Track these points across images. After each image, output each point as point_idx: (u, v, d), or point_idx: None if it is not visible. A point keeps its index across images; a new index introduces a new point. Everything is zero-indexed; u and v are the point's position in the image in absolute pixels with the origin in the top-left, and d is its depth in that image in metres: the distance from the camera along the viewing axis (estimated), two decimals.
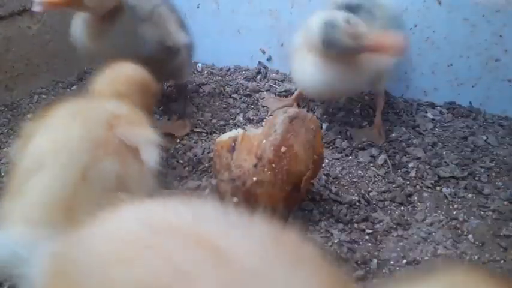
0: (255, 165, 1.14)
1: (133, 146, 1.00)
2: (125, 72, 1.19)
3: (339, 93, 1.64)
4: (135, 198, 0.70)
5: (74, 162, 0.91)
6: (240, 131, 1.23)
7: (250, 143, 1.19)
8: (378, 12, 1.60)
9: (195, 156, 1.52)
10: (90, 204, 0.86)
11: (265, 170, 1.13)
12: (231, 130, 1.63)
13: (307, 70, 1.50)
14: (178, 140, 1.62)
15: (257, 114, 1.78)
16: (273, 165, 1.14)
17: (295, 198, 1.20)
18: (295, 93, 1.83)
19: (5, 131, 1.64)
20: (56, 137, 0.95)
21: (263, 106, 1.83)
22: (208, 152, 1.54)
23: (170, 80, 1.80)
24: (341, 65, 1.45)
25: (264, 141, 1.16)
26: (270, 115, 1.77)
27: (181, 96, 1.78)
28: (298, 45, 1.58)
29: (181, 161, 1.49)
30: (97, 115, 1.01)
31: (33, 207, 0.87)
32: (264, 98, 1.89)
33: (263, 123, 1.68)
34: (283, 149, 1.15)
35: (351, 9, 1.56)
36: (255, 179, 1.14)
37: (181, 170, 1.45)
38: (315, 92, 1.58)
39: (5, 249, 0.84)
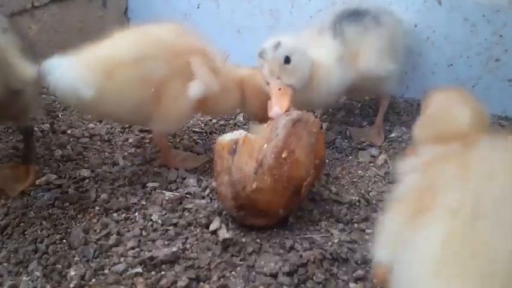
0: (255, 172, 1.13)
1: None
2: None
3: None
4: None
5: None
6: (241, 132, 1.23)
7: (251, 146, 1.18)
8: (383, 19, 1.60)
9: (196, 155, 1.52)
10: None
11: (266, 177, 1.12)
12: (231, 130, 1.64)
13: None
14: (178, 140, 1.62)
15: None
16: (274, 171, 1.12)
17: (295, 202, 1.20)
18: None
19: (5, 130, 1.64)
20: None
21: None
22: (207, 151, 1.54)
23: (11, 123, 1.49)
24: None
25: (265, 145, 1.15)
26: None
27: (27, 140, 1.41)
28: None
29: None
30: None
31: None
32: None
33: (252, 122, 1.68)
34: (284, 154, 1.13)
35: (357, 15, 1.56)
36: (254, 185, 1.13)
37: (181, 170, 1.45)
38: None
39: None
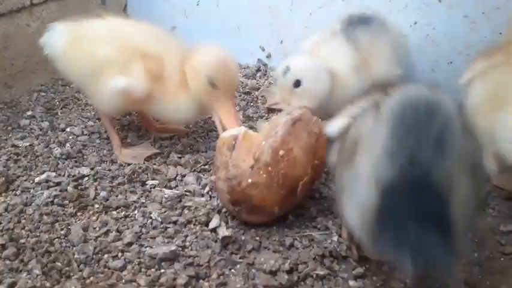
0: (252, 167, 1.13)
1: None
2: None
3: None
4: None
5: None
6: (242, 129, 1.23)
7: (250, 142, 1.18)
8: (389, 25, 1.60)
9: (195, 152, 1.52)
10: None
11: (261, 172, 1.13)
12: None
13: None
14: (177, 138, 1.62)
15: (257, 112, 1.78)
16: (269, 168, 1.12)
17: (291, 201, 1.19)
18: None
19: (4, 128, 1.64)
20: None
21: (262, 96, 1.82)
22: (207, 150, 1.54)
23: None
24: None
25: (263, 142, 1.16)
26: (267, 108, 1.76)
27: None
28: None
29: (181, 158, 1.49)
30: None
31: None
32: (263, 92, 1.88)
33: (260, 120, 1.68)
34: (281, 152, 1.13)
35: (362, 21, 1.56)
36: (250, 180, 1.13)
37: (180, 168, 1.45)
38: None
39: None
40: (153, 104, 1.45)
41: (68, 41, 1.48)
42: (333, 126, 1.10)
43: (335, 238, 1.18)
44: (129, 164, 1.46)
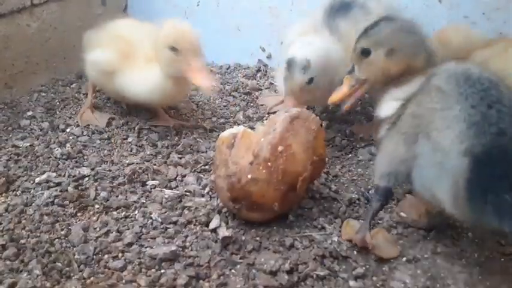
0: (251, 163, 1.14)
1: None
2: None
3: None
4: None
5: None
6: (241, 127, 1.23)
7: (249, 140, 1.19)
8: (373, 5, 1.59)
9: (196, 152, 1.52)
10: None
11: (261, 168, 1.13)
12: (231, 128, 1.63)
13: None
14: (177, 138, 1.62)
15: (257, 112, 1.78)
16: (269, 163, 1.13)
17: (291, 198, 1.20)
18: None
19: (5, 128, 1.64)
20: None
21: (261, 105, 1.83)
22: (208, 149, 1.54)
23: None
24: None
25: (262, 139, 1.16)
26: (269, 113, 1.77)
27: None
28: None
29: (181, 158, 1.49)
30: None
31: None
32: (259, 96, 1.88)
33: (265, 121, 1.68)
34: (280, 148, 1.14)
35: (345, 6, 1.55)
36: (249, 176, 1.13)
37: (181, 168, 1.45)
38: None
39: None
40: (123, 79, 1.57)
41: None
42: (385, 109, 1.23)
43: (335, 238, 1.18)
44: (129, 164, 1.46)
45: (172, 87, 1.54)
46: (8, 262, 1.10)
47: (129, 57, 1.58)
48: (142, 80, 1.55)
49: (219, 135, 1.46)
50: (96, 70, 1.65)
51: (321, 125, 1.25)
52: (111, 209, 1.28)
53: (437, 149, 1.00)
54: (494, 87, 1.01)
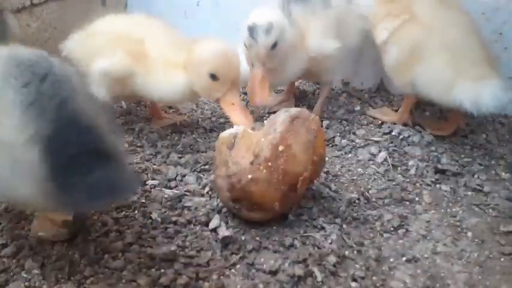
0: (251, 163, 1.14)
1: None
2: None
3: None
4: None
5: None
6: (241, 127, 1.23)
7: (249, 140, 1.19)
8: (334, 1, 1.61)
9: (195, 152, 1.52)
10: None
11: (261, 168, 1.13)
12: (231, 127, 1.63)
13: None
14: (177, 138, 1.62)
15: (256, 112, 1.78)
16: (269, 163, 1.13)
17: (292, 198, 1.20)
18: (287, 86, 1.82)
19: None
20: None
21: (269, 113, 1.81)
22: (207, 149, 1.54)
23: None
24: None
25: (262, 139, 1.16)
26: (268, 112, 1.77)
27: None
28: None
29: (181, 158, 1.49)
30: None
31: None
32: None
33: (265, 121, 1.68)
34: (280, 148, 1.14)
35: None
36: (250, 176, 1.13)
37: (180, 168, 1.45)
38: None
39: None
40: (139, 83, 1.48)
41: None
42: None
43: (335, 238, 1.18)
44: (129, 164, 1.45)
45: (192, 91, 1.48)
46: (7, 261, 1.10)
47: (141, 57, 1.48)
48: (170, 86, 1.47)
49: (218, 135, 1.46)
50: (108, 80, 1.49)
51: (321, 125, 1.25)
52: (110, 209, 1.28)
53: (3, 144, 0.86)
54: (43, 60, 0.94)
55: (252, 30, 1.42)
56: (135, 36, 1.50)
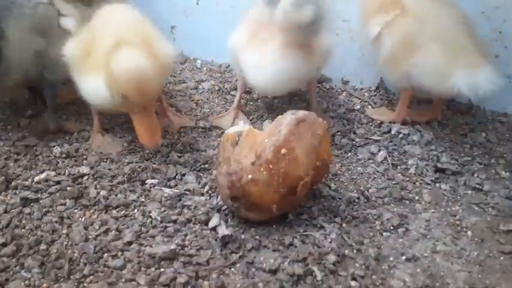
0: (253, 163, 1.13)
1: None
2: None
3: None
4: None
5: None
6: (246, 126, 1.23)
7: (253, 139, 1.19)
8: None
9: (195, 151, 1.52)
10: None
11: (262, 169, 1.13)
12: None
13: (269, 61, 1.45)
14: (176, 137, 1.62)
15: (257, 111, 1.77)
16: (270, 165, 1.13)
17: (290, 201, 1.19)
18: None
19: (4, 127, 1.64)
20: None
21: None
22: (207, 148, 1.54)
23: None
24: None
25: (266, 140, 1.16)
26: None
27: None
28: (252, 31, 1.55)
29: (180, 157, 1.49)
30: None
31: None
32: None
33: (267, 121, 1.68)
34: (283, 150, 1.13)
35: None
36: (250, 176, 1.13)
37: (180, 167, 1.45)
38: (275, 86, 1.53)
39: None
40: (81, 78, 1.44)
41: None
42: None
43: (334, 237, 1.18)
44: (128, 163, 1.46)
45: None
46: (6, 260, 1.10)
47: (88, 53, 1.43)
48: (88, 87, 1.44)
49: (218, 133, 1.46)
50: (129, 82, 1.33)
51: (327, 130, 1.24)
52: (110, 208, 1.28)
53: None
54: None
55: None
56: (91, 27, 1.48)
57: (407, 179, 1.44)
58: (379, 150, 1.55)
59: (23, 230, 1.20)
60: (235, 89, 1.91)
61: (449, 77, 1.44)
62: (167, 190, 1.34)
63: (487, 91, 1.41)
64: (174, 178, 1.40)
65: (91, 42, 1.44)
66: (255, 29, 1.54)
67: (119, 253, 1.14)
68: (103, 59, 1.36)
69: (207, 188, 1.35)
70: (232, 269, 1.10)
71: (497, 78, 1.42)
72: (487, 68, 1.44)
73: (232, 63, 1.71)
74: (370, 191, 1.38)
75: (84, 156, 1.49)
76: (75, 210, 1.27)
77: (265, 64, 1.46)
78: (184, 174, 1.42)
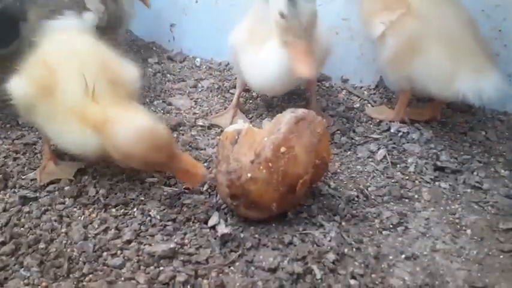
0: (252, 162, 1.13)
1: None
2: None
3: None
4: None
5: None
6: (246, 124, 1.23)
7: (252, 138, 1.18)
8: None
9: (194, 150, 1.52)
10: None
11: (261, 168, 1.13)
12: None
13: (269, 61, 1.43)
14: (176, 136, 1.61)
15: (256, 109, 1.77)
16: (270, 164, 1.13)
17: (290, 200, 1.19)
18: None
19: (3, 126, 1.64)
20: None
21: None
22: (205, 148, 1.54)
23: None
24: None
25: (265, 138, 1.16)
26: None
27: None
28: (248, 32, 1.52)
29: None
30: None
31: None
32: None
33: (266, 119, 1.68)
34: (282, 149, 1.13)
35: None
36: (249, 175, 1.13)
37: None
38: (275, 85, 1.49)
39: None
40: (42, 120, 1.26)
41: None
42: None
43: (334, 235, 1.18)
44: None
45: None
46: (5, 258, 1.10)
47: (50, 92, 1.23)
48: (65, 134, 1.24)
49: (217, 132, 1.45)
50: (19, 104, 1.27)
51: (326, 129, 1.24)
52: (109, 207, 1.28)
53: None
54: None
55: (291, 4, 1.29)
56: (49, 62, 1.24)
57: (407, 177, 1.44)
58: (379, 149, 1.54)
59: (22, 228, 1.20)
60: (235, 87, 1.91)
61: (454, 81, 1.41)
62: (167, 189, 1.34)
63: (491, 97, 1.38)
64: (174, 177, 1.40)
65: (48, 80, 1.22)
66: (255, 26, 1.52)
67: (118, 252, 1.14)
68: (78, 108, 1.18)
69: (206, 186, 1.35)
70: (232, 268, 1.10)
71: (503, 83, 1.39)
72: (492, 73, 1.41)
73: (232, 61, 1.70)
74: (369, 189, 1.38)
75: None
76: (75, 209, 1.27)
77: (264, 63, 1.44)
78: None
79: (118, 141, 1.15)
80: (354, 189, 1.37)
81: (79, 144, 1.22)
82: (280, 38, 1.37)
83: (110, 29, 1.65)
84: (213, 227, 1.20)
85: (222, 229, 1.17)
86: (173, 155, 1.16)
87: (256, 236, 1.18)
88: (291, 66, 1.35)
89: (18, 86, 1.27)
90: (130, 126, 1.14)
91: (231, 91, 1.88)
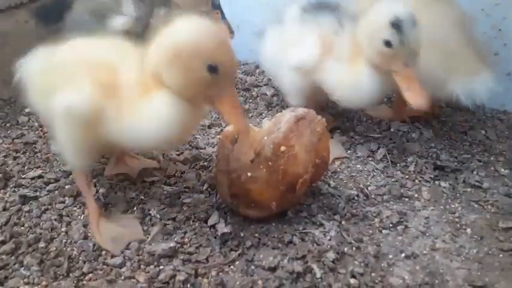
0: (252, 161, 1.13)
1: None
2: None
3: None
4: None
5: None
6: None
7: (253, 137, 1.18)
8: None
9: (194, 149, 1.52)
10: None
11: (261, 167, 1.13)
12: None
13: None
14: None
15: (256, 108, 1.77)
16: (270, 163, 1.13)
17: (290, 199, 1.19)
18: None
19: (3, 125, 1.64)
20: None
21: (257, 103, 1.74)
22: (206, 146, 1.54)
23: None
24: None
25: (265, 137, 1.16)
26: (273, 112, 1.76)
27: None
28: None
29: (180, 155, 1.49)
30: None
31: None
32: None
33: (266, 118, 1.68)
34: (282, 148, 1.13)
35: (326, 8, 1.46)
36: (249, 174, 1.13)
37: (180, 164, 1.45)
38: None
39: None
40: (109, 127, 1.05)
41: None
42: None
43: (334, 234, 1.18)
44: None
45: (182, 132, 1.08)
46: (5, 258, 1.10)
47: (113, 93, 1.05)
48: (138, 128, 1.04)
49: (217, 131, 1.45)
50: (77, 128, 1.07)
51: (326, 128, 1.24)
52: (109, 205, 1.28)
53: None
54: None
55: (398, 25, 1.23)
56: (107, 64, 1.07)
57: (407, 176, 1.44)
58: (379, 148, 1.54)
59: (21, 227, 1.20)
60: (235, 86, 1.91)
61: (447, 83, 1.40)
62: (167, 188, 1.34)
63: (484, 99, 1.38)
64: (174, 176, 1.40)
65: (110, 78, 1.05)
66: (328, 42, 1.41)
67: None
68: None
69: (206, 185, 1.35)
70: (232, 267, 1.10)
71: (495, 84, 1.39)
72: (485, 75, 1.39)
73: (292, 81, 1.52)
74: (369, 188, 1.38)
75: None
76: (74, 208, 1.27)
77: (358, 86, 1.36)
78: (183, 172, 1.42)
79: (175, 35, 0.97)
80: (354, 188, 1.37)
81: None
82: (382, 67, 1.30)
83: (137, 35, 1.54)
84: (213, 226, 1.20)
85: (222, 228, 1.17)
86: (232, 61, 0.99)
87: (256, 235, 1.18)
88: (385, 89, 1.36)
89: (79, 98, 1.03)
90: (189, 21, 0.98)
91: None
